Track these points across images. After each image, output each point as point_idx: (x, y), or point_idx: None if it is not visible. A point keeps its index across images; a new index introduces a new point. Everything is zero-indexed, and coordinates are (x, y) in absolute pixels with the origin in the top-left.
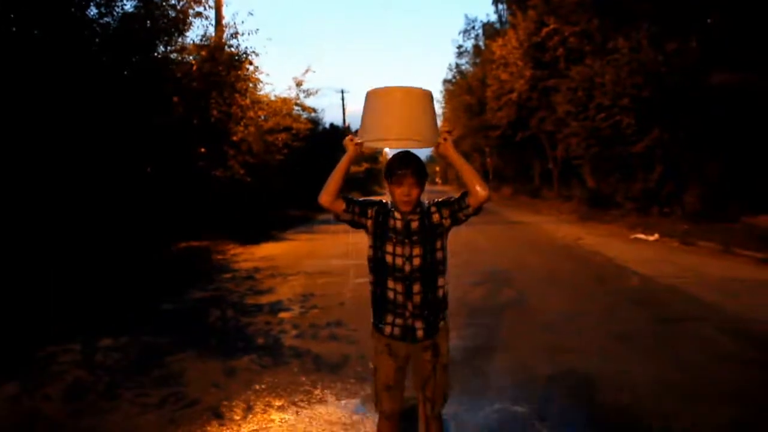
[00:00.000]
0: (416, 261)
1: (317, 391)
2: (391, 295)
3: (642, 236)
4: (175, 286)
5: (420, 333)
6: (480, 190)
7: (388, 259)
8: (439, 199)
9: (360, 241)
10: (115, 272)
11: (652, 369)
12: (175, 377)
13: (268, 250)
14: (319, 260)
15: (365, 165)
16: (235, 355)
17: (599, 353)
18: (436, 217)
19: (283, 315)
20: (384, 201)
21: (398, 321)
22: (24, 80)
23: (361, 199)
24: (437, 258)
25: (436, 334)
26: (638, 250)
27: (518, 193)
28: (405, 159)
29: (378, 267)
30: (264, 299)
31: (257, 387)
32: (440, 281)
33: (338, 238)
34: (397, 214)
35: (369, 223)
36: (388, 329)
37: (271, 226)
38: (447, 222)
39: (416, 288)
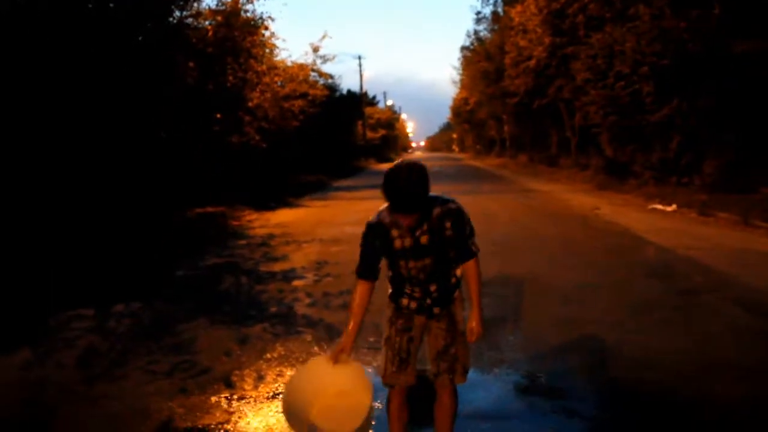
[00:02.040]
0: (430, 268)
1: None
2: (408, 290)
3: (659, 206)
4: (189, 252)
5: (436, 310)
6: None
7: (403, 272)
8: (454, 216)
9: (374, 208)
10: (130, 238)
11: (669, 342)
12: (186, 345)
13: (283, 216)
14: (333, 227)
15: (381, 131)
16: (248, 323)
17: (616, 326)
18: (448, 233)
19: (296, 283)
20: (374, 224)
21: (414, 303)
22: (38, 46)
23: (367, 254)
24: (449, 257)
25: (451, 304)
26: (656, 220)
27: (535, 161)
28: (399, 196)
29: (394, 276)
30: (278, 267)
31: (269, 356)
32: (451, 272)
33: (353, 204)
34: (401, 232)
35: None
36: (404, 301)
37: (287, 192)
38: (451, 237)
39: (433, 287)
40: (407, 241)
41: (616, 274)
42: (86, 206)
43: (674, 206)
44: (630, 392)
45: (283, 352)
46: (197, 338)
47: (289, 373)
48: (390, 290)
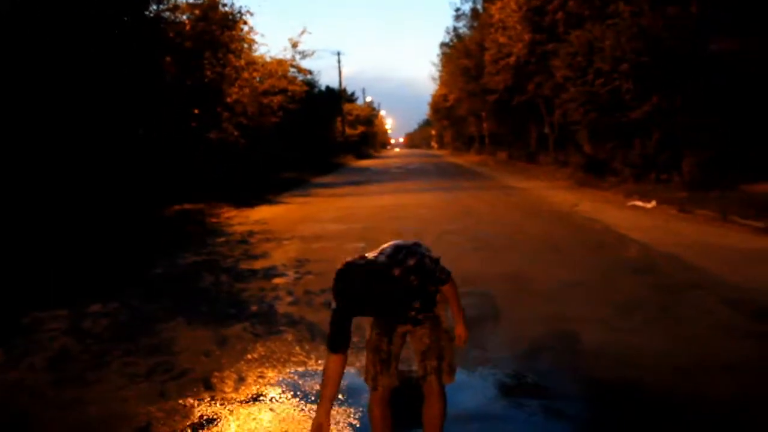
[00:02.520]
0: (417, 304)
1: (311, 362)
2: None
3: (639, 203)
4: (167, 250)
5: (420, 316)
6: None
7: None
8: (414, 271)
9: (354, 205)
10: (107, 235)
11: (654, 340)
12: (164, 346)
13: (262, 213)
14: (313, 224)
15: (361, 128)
16: (228, 323)
17: (601, 324)
18: (416, 282)
19: (277, 281)
20: (342, 269)
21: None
22: (8, 40)
23: (337, 326)
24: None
25: (434, 306)
26: (636, 217)
27: (514, 157)
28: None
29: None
30: (258, 264)
31: (250, 357)
32: (431, 289)
33: (333, 201)
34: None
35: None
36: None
37: (266, 188)
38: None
39: (421, 317)
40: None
41: (599, 272)
42: (60, 203)
43: (654, 203)
44: (616, 392)
45: (263, 353)
46: (176, 339)
47: (270, 374)
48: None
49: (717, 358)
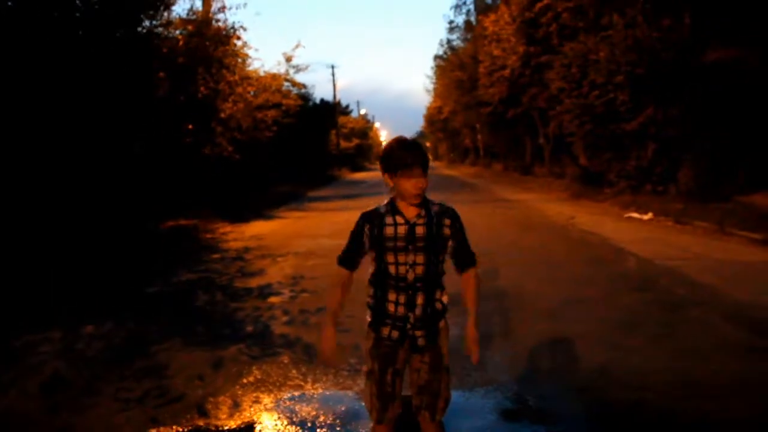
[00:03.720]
0: (419, 269)
1: (308, 386)
2: (391, 308)
3: (636, 215)
4: (162, 268)
5: (421, 341)
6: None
7: (391, 269)
8: (452, 215)
9: (350, 219)
10: (100, 253)
11: (659, 360)
12: (159, 369)
13: (257, 228)
14: (309, 240)
15: (355, 140)
16: (223, 345)
17: (603, 342)
18: (446, 230)
19: (272, 299)
20: (369, 212)
21: (396, 333)
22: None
23: (354, 243)
24: (438, 270)
25: (437, 336)
26: (633, 229)
27: (509, 170)
28: (412, 148)
29: (378, 278)
30: (253, 282)
31: (245, 380)
32: (437, 294)
33: (328, 216)
34: (398, 218)
35: (368, 245)
36: (386, 331)
37: (261, 203)
38: (451, 243)
39: (419, 299)
40: (401, 229)
41: (599, 287)
42: (51, 219)
43: (650, 215)
44: (621, 414)
45: (259, 376)
46: (171, 361)
47: (266, 399)
48: (369, 317)
49: (722, 375)
